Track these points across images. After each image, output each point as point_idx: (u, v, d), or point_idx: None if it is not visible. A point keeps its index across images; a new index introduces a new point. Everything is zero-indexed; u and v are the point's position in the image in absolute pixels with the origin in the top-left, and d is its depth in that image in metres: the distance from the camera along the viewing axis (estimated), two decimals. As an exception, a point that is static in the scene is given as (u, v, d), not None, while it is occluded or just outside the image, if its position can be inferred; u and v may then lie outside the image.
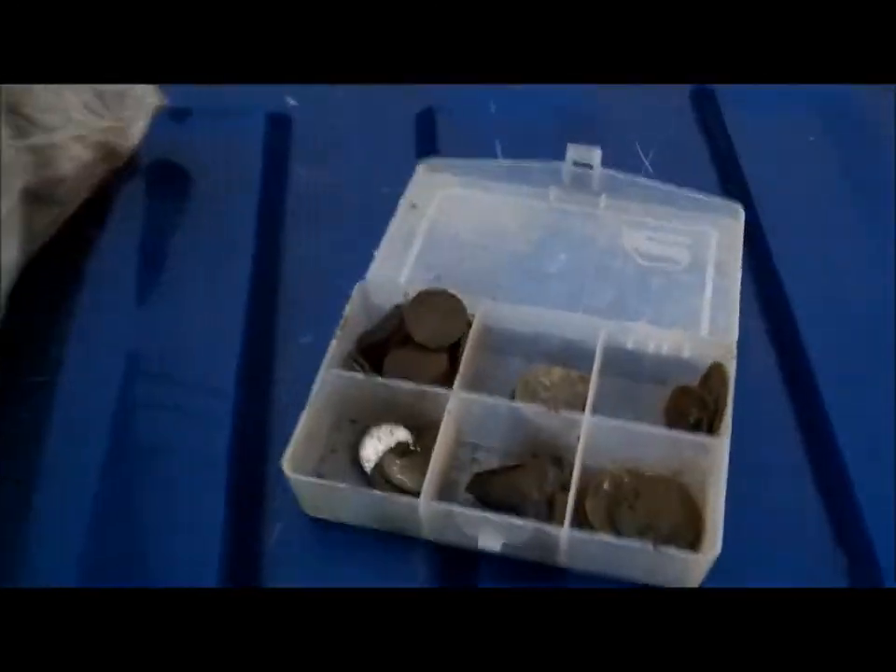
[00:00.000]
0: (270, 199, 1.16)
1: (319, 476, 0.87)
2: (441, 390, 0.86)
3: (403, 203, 1.05)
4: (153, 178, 1.17)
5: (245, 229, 1.12)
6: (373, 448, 0.89)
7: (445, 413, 0.84)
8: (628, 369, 0.93)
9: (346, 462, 0.90)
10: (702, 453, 0.83)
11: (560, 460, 0.88)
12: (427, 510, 0.79)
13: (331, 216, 1.13)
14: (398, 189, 1.08)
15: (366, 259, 0.98)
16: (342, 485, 0.81)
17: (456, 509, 0.79)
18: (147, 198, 1.15)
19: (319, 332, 0.92)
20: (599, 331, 0.90)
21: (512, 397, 0.91)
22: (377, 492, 0.81)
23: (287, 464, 0.81)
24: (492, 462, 0.89)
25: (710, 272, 1.00)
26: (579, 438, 0.83)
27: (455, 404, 0.85)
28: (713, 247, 1.00)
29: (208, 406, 0.95)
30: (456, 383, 0.86)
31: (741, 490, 0.79)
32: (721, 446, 0.81)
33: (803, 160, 1.18)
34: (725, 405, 0.85)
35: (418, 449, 0.89)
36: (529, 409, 0.86)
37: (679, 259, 0.98)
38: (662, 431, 0.84)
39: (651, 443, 0.84)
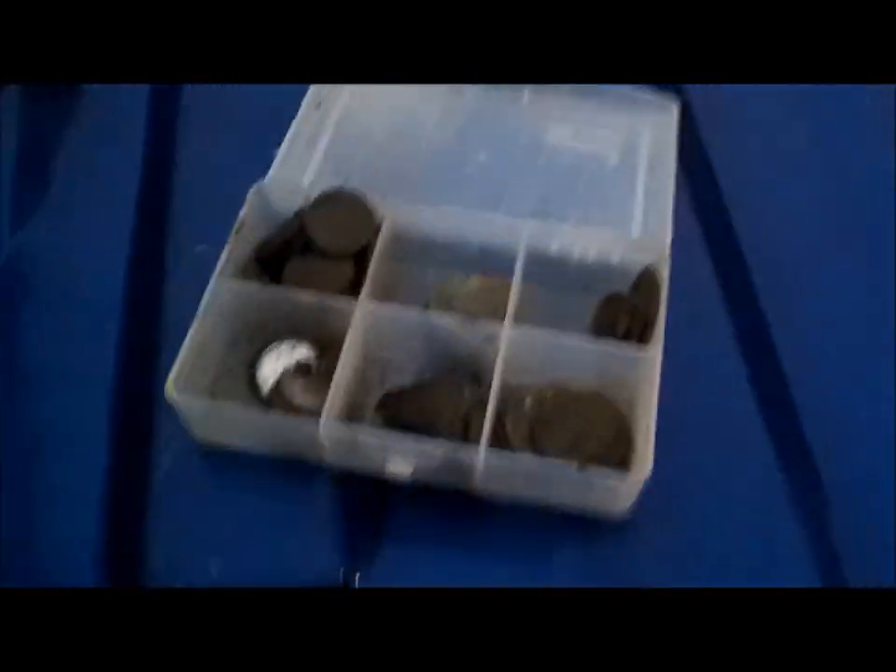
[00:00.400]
0: (162, 96, 1.04)
1: (211, 394, 0.79)
2: (345, 301, 0.77)
3: (307, 101, 0.94)
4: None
5: (133, 129, 1.00)
6: (272, 367, 0.81)
7: (350, 328, 0.76)
8: (553, 276, 0.85)
9: (243, 383, 0.81)
10: (631, 365, 0.77)
11: (478, 377, 0.81)
12: (328, 431, 0.71)
13: (229, 114, 1.02)
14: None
15: (267, 162, 0.89)
16: (233, 405, 0.72)
17: (361, 430, 0.71)
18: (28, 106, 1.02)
19: (215, 241, 0.82)
20: (521, 234, 0.82)
21: (426, 309, 0.82)
22: (274, 413, 0.72)
23: (172, 383, 0.72)
24: (403, 381, 0.81)
25: (642, 171, 0.93)
26: (498, 352, 0.75)
27: (361, 316, 0.77)
28: (645, 145, 0.95)
29: (93, 324, 0.84)
30: (363, 293, 0.78)
31: (674, 405, 0.72)
32: (652, 358, 0.75)
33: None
34: (657, 313, 0.78)
35: (322, 367, 0.80)
36: (443, 320, 0.77)
37: (608, 156, 0.91)
38: (588, 343, 0.77)
39: (576, 356, 0.77)
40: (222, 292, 0.78)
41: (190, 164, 0.97)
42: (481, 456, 0.69)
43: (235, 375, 0.82)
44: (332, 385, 0.73)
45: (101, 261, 0.88)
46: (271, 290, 0.78)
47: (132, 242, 0.90)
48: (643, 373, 0.76)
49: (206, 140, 0.99)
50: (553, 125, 0.96)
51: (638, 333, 0.79)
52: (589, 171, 0.92)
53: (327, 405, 0.72)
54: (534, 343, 0.77)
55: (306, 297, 0.78)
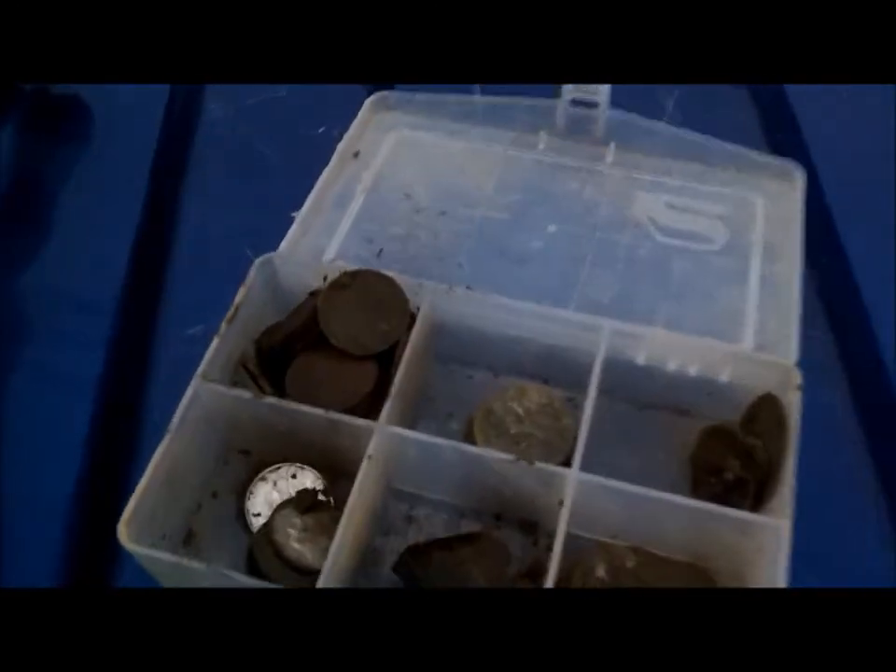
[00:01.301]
0: (172, 138, 0.88)
1: (187, 536, 0.60)
2: (361, 422, 0.58)
3: (341, 150, 0.77)
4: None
5: (135, 178, 0.83)
6: (265, 498, 0.62)
7: (364, 459, 0.56)
8: (638, 394, 0.67)
9: (231, 511, 0.62)
10: (746, 534, 0.56)
11: (534, 527, 0.61)
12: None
13: (247, 163, 0.85)
14: (336, 130, 0.81)
15: (286, 225, 0.71)
16: (196, 566, 0.53)
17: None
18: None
19: (213, 323, 0.64)
20: (598, 337, 0.63)
21: (469, 431, 0.63)
22: (246, 580, 0.53)
23: (124, 528, 0.54)
24: (432, 529, 0.61)
25: (757, 257, 0.73)
26: (562, 502, 0.55)
27: (380, 445, 0.58)
28: (759, 221, 0.76)
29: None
30: (385, 410, 0.58)
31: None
32: (776, 528, 0.54)
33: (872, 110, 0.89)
34: (782, 460, 0.57)
35: (331, 501, 0.61)
36: (489, 457, 0.58)
37: (712, 236, 0.72)
38: (685, 502, 0.56)
39: (668, 516, 0.56)
40: (204, 399, 0.60)
41: (193, 228, 0.80)
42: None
43: (222, 503, 0.63)
44: (336, 537, 0.54)
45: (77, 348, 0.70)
46: (263, 402, 0.59)
47: (113, 323, 0.72)
48: (760, 548, 0.55)
49: (216, 190, 0.82)
50: (641, 193, 0.77)
51: (756, 487, 0.58)
52: (686, 254, 0.73)
53: (325, 572, 0.52)
54: (610, 494, 0.56)
55: (311, 413, 0.59)
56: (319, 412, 0.59)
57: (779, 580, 0.52)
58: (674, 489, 0.62)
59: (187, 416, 0.59)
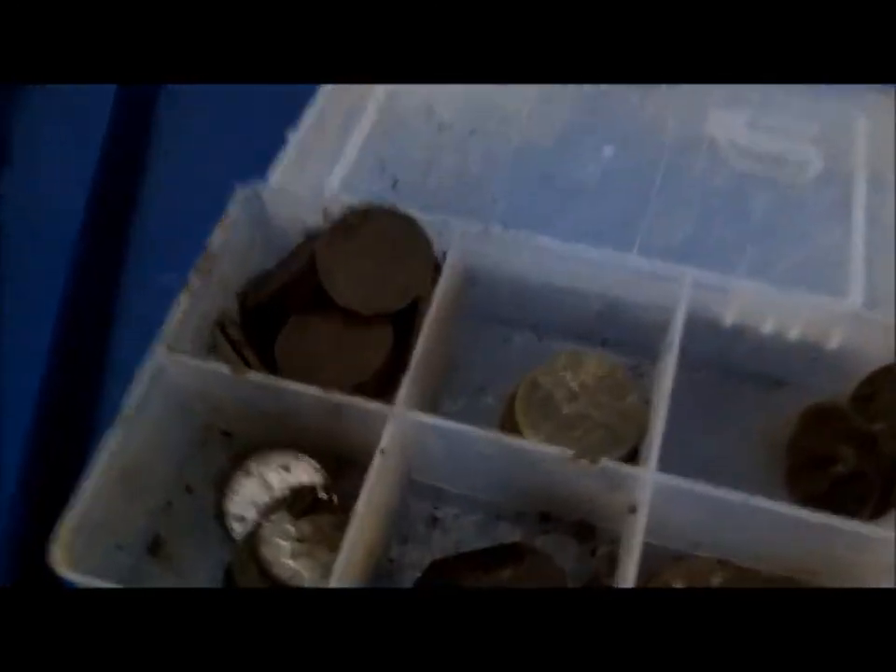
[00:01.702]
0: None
1: (154, 543, 0.48)
2: (372, 406, 0.45)
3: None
4: None
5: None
6: (250, 496, 0.49)
7: (377, 455, 0.43)
8: (722, 361, 0.54)
9: (210, 509, 0.50)
10: (863, 552, 0.43)
11: (592, 532, 0.48)
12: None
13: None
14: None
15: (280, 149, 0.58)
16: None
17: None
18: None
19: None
20: (678, 289, 0.50)
21: (509, 412, 0.50)
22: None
23: (58, 550, 0.42)
24: (464, 528, 0.49)
25: (860, 188, 0.60)
26: (634, 509, 0.42)
27: (397, 436, 0.45)
28: (861, 143, 0.62)
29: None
30: (402, 390, 0.45)
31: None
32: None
33: None
34: (919, 454, 0.44)
35: (333, 500, 0.48)
36: (538, 452, 0.45)
37: (803, 162, 0.60)
38: (789, 511, 0.43)
39: (763, 524, 0.44)
40: (170, 374, 0.47)
41: (168, 151, 0.66)
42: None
43: (199, 499, 0.51)
44: (341, 556, 0.41)
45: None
46: (248, 379, 0.46)
47: (70, 269, 0.59)
48: (882, 562, 0.42)
49: (196, 113, 0.68)
50: (715, 111, 0.63)
51: (882, 486, 0.45)
52: (772, 187, 0.60)
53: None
54: (695, 499, 0.43)
55: (308, 394, 0.46)
56: (318, 392, 0.45)
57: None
58: (764, 479, 0.50)
59: (148, 397, 0.47)
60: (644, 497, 0.43)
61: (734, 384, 0.54)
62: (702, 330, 0.51)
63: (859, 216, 0.57)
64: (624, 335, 0.54)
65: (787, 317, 0.50)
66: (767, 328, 0.51)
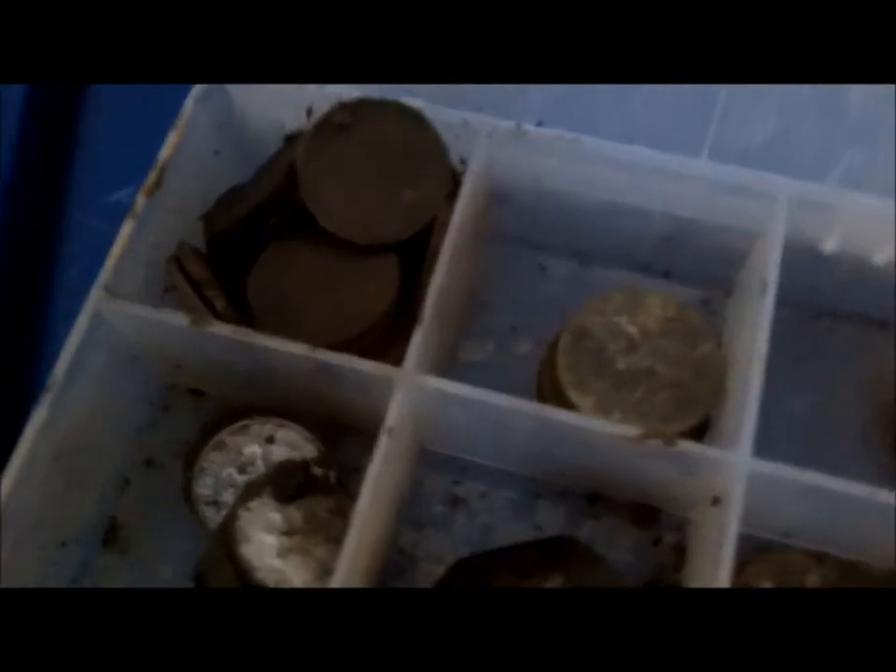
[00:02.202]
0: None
1: (109, 531, 0.41)
2: (373, 369, 0.34)
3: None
4: None
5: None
6: (223, 476, 0.39)
7: (383, 435, 0.33)
8: (814, 298, 0.43)
9: (176, 485, 0.41)
10: None
11: (654, 516, 0.39)
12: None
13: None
14: None
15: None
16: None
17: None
18: None
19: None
20: (772, 208, 0.38)
21: (549, 364, 0.39)
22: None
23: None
24: (495, 510, 0.39)
25: None
26: (718, 500, 0.32)
27: (407, 407, 0.34)
28: None
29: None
30: (413, 349, 0.35)
31: None
32: None
33: None
34: None
35: (330, 477, 0.38)
36: (595, 430, 0.34)
37: None
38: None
39: (870, 513, 0.34)
40: (113, 325, 0.36)
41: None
42: None
43: (161, 474, 0.41)
44: (343, 557, 0.32)
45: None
46: (212, 332, 0.35)
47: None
48: None
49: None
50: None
51: None
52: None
53: None
54: (792, 488, 0.33)
55: (289, 352, 0.35)
56: (302, 350, 0.35)
57: None
58: (865, 447, 0.40)
59: (85, 355, 0.36)
60: (734, 489, 0.33)
61: (827, 325, 0.43)
62: (793, 258, 0.40)
63: None
64: (694, 264, 0.43)
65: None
66: (880, 256, 0.39)
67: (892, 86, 0.48)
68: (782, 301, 0.43)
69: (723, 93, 0.47)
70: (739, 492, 0.33)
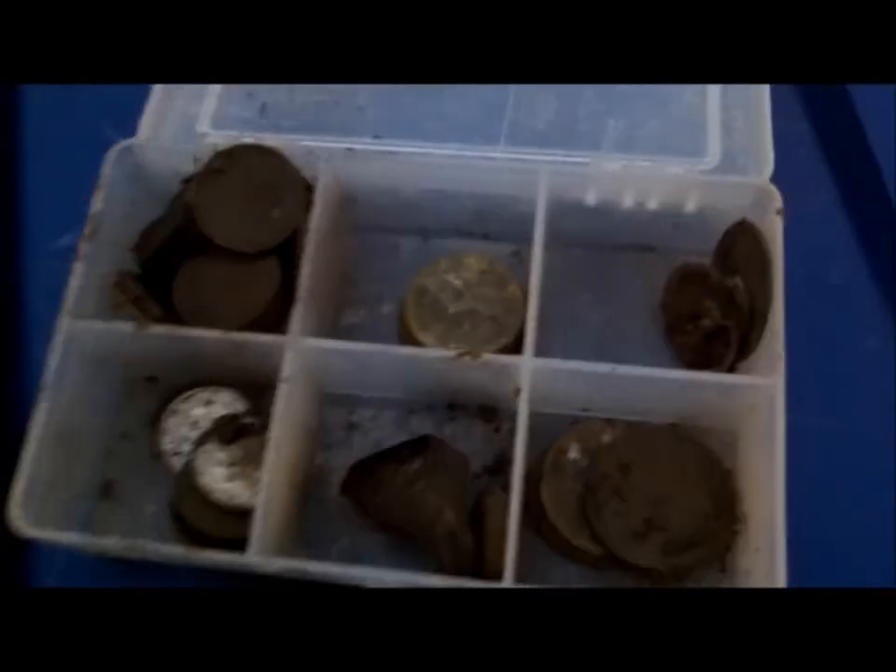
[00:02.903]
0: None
1: (105, 487, 0.54)
2: (268, 339, 0.49)
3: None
4: None
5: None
6: (180, 434, 0.53)
7: (279, 384, 0.47)
8: (594, 236, 0.57)
9: (146, 450, 0.54)
10: (734, 397, 0.48)
11: (494, 412, 0.53)
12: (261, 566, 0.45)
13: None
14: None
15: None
16: (109, 542, 0.45)
17: (313, 565, 0.45)
18: None
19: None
20: (536, 180, 0.52)
21: (403, 317, 0.54)
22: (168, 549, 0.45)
23: (16, 512, 0.46)
24: (382, 427, 0.54)
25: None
26: (518, 391, 0.47)
27: (296, 363, 0.48)
28: None
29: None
30: (294, 321, 0.49)
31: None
32: (769, 390, 0.46)
33: None
34: (767, 302, 0.48)
35: (256, 423, 0.53)
36: (428, 355, 0.49)
37: None
38: (656, 373, 0.48)
39: (640, 386, 0.48)
40: (80, 339, 0.50)
41: (41, 109, 0.67)
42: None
43: (135, 443, 0.55)
44: (263, 474, 0.46)
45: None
46: (152, 332, 0.50)
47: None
48: (754, 404, 0.48)
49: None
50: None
51: (739, 334, 0.50)
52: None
53: (256, 527, 0.45)
54: (572, 375, 0.48)
55: (209, 336, 0.49)
56: (217, 334, 0.49)
57: (777, 436, 0.45)
58: (647, 338, 0.55)
59: (64, 364, 0.50)
60: (524, 382, 0.47)
61: (608, 254, 0.57)
62: (568, 212, 0.54)
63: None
64: (503, 226, 0.56)
65: (644, 188, 0.53)
66: (627, 201, 0.54)
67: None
68: (572, 244, 0.58)
69: (513, 88, 0.60)
70: (527, 383, 0.47)
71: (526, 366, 0.47)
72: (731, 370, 0.50)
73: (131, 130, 0.56)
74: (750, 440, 0.49)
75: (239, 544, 0.45)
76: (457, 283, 0.54)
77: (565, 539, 0.49)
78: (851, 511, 0.49)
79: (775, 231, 0.49)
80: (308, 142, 0.55)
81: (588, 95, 0.59)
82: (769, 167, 0.52)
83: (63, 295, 0.51)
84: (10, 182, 0.64)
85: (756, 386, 0.47)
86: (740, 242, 0.51)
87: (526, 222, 0.53)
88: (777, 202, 0.49)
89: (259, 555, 0.45)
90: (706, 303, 0.52)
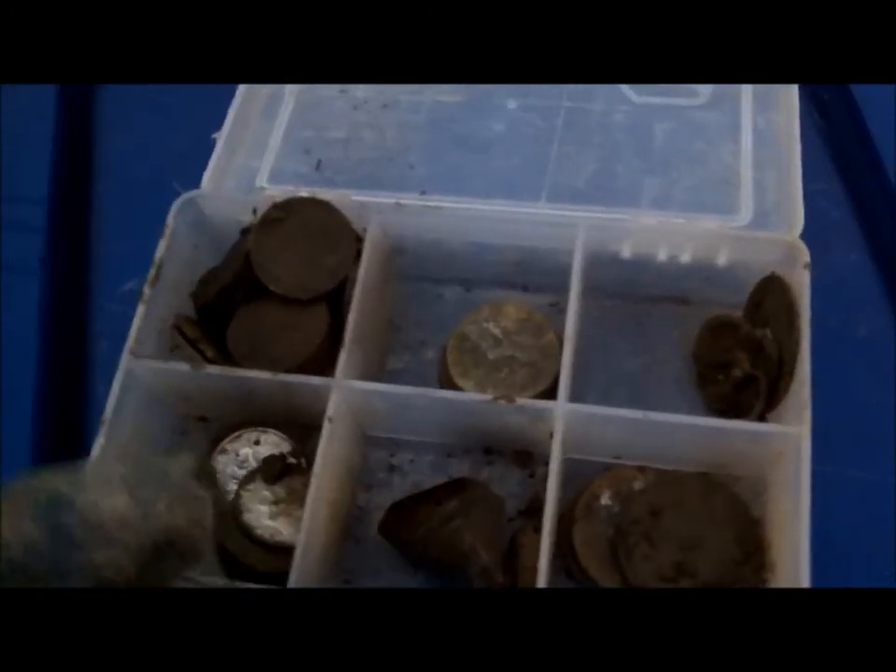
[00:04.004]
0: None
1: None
2: (316, 381, 0.51)
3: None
4: None
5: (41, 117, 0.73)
6: (228, 472, 0.56)
7: (325, 422, 0.50)
8: (629, 288, 0.60)
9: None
10: (761, 445, 0.50)
11: (529, 457, 0.55)
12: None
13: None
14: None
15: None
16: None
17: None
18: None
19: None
20: (574, 234, 0.55)
21: (444, 363, 0.56)
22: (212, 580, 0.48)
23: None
24: (421, 470, 0.56)
25: (747, 106, 0.62)
26: (552, 435, 0.49)
27: (341, 404, 0.51)
28: None
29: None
30: (340, 363, 0.51)
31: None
32: (796, 439, 0.47)
33: None
34: (795, 353, 0.50)
35: (302, 463, 0.55)
36: (465, 399, 0.51)
37: (695, 87, 0.61)
38: (687, 420, 0.49)
39: (672, 433, 0.50)
40: (139, 377, 0.54)
41: (113, 166, 0.72)
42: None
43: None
44: (305, 510, 0.48)
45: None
46: (206, 372, 0.53)
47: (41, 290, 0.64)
48: (782, 452, 0.49)
49: (133, 128, 0.72)
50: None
51: (767, 384, 0.51)
52: (670, 115, 0.63)
53: (300, 542, 0.47)
54: (605, 420, 0.50)
55: (260, 377, 0.52)
56: (268, 375, 0.52)
57: (803, 485, 0.46)
58: (679, 387, 0.57)
59: (123, 400, 0.53)
60: (558, 426, 0.49)
61: (643, 306, 0.59)
62: (606, 265, 0.57)
63: (746, 134, 0.61)
64: (542, 278, 0.59)
65: (677, 242, 0.55)
66: (661, 255, 0.56)
67: (684, 123, 0.64)
68: (610, 295, 0.60)
69: (555, 146, 0.63)
70: (561, 427, 0.49)
71: (560, 410, 0.49)
72: (760, 418, 0.52)
73: (195, 182, 0.60)
74: (778, 488, 0.51)
75: (281, 579, 0.48)
76: (497, 331, 0.56)
77: (595, 582, 0.50)
78: (875, 561, 0.50)
79: (802, 285, 0.51)
80: (359, 197, 0.58)
81: (627, 154, 0.62)
82: (799, 224, 0.53)
83: (125, 336, 0.54)
84: (83, 230, 0.68)
85: (784, 434, 0.48)
86: (770, 294, 0.53)
87: (565, 274, 0.56)
88: (805, 256, 0.51)
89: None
90: (736, 354, 0.53)
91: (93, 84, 0.75)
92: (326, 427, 0.50)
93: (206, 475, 0.41)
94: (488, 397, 0.50)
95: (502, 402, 0.50)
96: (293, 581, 0.47)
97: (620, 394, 0.57)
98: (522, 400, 0.50)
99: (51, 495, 0.38)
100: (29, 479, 0.39)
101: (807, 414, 0.48)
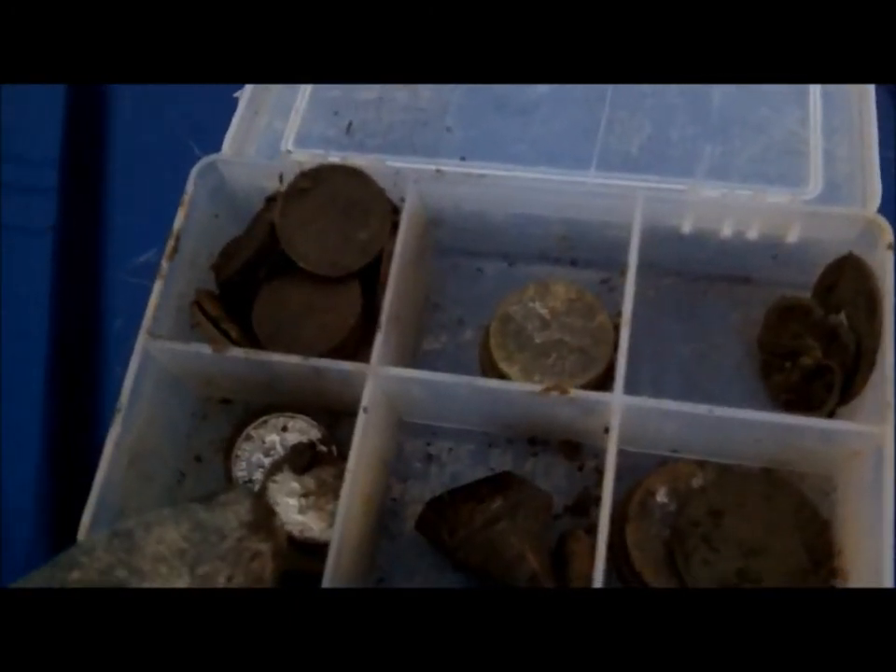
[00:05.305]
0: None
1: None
2: (350, 367, 0.47)
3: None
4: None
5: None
6: (253, 460, 0.52)
7: (360, 413, 0.46)
8: (688, 265, 0.55)
9: (221, 475, 0.53)
10: (834, 444, 0.45)
11: (578, 449, 0.51)
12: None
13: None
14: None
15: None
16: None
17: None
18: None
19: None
20: (632, 206, 0.50)
21: (485, 345, 0.52)
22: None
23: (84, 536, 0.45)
24: (460, 459, 0.52)
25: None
26: (607, 429, 0.45)
27: (377, 392, 0.47)
28: None
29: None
30: (375, 349, 0.47)
31: None
32: (876, 439, 0.43)
33: None
34: (876, 341, 0.45)
35: (333, 451, 0.51)
36: (512, 389, 0.47)
37: None
38: (752, 416, 0.45)
39: (735, 428, 0.46)
40: (157, 359, 0.50)
41: (126, 128, 0.67)
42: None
43: (209, 467, 0.54)
44: (340, 508, 0.45)
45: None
46: (230, 354, 0.48)
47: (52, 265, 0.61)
48: (858, 451, 0.45)
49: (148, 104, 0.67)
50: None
51: (843, 376, 0.47)
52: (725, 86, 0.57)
53: (334, 541, 0.43)
54: (664, 414, 0.46)
55: (289, 362, 0.48)
56: (297, 359, 0.48)
57: (886, 489, 0.42)
58: (739, 374, 0.52)
59: (140, 383, 0.49)
60: (614, 421, 0.45)
61: (701, 286, 0.55)
62: (662, 241, 0.52)
63: (814, 98, 0.56)
64: (592, 253, 0.55)
65: (743, 218, 0.51)
66: (726, 231, 0.51)
67: (744, 87, 0.59)
68: (666, 272, 0.55)
69: (606, 109, 0.58)
70: (617, 421, 0.45)
71: (617, 404, 0.45)
72: (831, 414, 0.47)
73: (216, 146, 0.55)
74: (851, 489, 0.47)
75: (308, 579, 0.44)
76: (544, 311, 0.51)
77: (648, 587, 0.47)
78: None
79: (885, 267, 0.46)
80: (393, 162, 0.53)
81: (682, 119, 0.57)
82: (876, 198, 0.49)
83: (142, 312, 0.50)
84: (95, 195, 0.64)
85: (861, 434, 0.44)
86: (845, 276, 0.48)
87: (617, 249, 0.52)
88: (889, 235, 0.47)
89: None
90: (807, 341, 0.49)
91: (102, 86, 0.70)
92: (361, 418, 0.46)
93: (264, 516, 0.37)
94: (538, 388, 0.46)
95: (554, 394, 0.45)
96: (327, 582, 0.43)
97: (673, 381, 0.53)
98: (575, 392, 0.45)
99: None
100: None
101: (891, 414, 0.43)
